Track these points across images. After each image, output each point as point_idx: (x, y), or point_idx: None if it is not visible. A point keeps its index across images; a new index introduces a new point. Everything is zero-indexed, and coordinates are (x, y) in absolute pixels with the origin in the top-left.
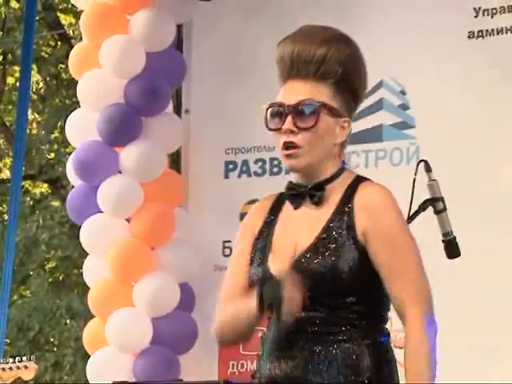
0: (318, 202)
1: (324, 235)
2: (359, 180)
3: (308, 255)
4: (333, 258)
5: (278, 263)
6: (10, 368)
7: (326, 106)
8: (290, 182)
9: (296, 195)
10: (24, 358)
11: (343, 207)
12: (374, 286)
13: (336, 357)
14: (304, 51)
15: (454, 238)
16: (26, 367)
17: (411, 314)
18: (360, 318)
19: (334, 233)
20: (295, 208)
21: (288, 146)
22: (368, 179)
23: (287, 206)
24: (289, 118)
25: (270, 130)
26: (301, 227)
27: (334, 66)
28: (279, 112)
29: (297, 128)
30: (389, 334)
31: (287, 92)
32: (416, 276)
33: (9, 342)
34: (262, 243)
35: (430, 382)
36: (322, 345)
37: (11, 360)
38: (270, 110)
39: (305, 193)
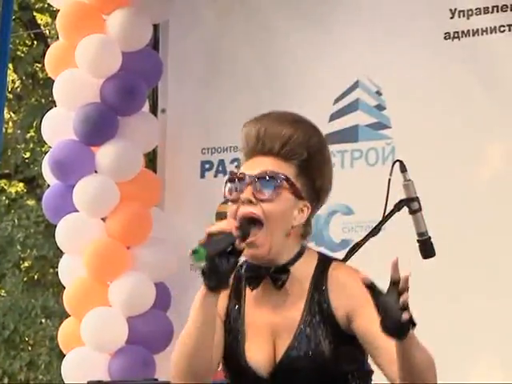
0: (280, 287)
1: (304, 329)
2: (326, 261)
3: (292, 349)
4: (318, 346)
5: (258, 352)
6: None
7: (289, 181)
8: (247, 262)
9: (254, 277)
10: None
11: (317, 295)
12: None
13: None
14: (271, 129)
15: (429, 238)
16: None
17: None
18: None
19: (312, 323)
20: (252, 289)
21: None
22: (332, 259)
23: (247, 292)
24: (248, 188)
25: (228, 200)
26: (273, 316)
27: (299, 147)
28: (239, 181)
29: (255, 199)
30: None
31: (249, 165)
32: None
33: None
34: (235, 331)
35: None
36: None
37: None
38: (230, 178)
39: (265, 275)
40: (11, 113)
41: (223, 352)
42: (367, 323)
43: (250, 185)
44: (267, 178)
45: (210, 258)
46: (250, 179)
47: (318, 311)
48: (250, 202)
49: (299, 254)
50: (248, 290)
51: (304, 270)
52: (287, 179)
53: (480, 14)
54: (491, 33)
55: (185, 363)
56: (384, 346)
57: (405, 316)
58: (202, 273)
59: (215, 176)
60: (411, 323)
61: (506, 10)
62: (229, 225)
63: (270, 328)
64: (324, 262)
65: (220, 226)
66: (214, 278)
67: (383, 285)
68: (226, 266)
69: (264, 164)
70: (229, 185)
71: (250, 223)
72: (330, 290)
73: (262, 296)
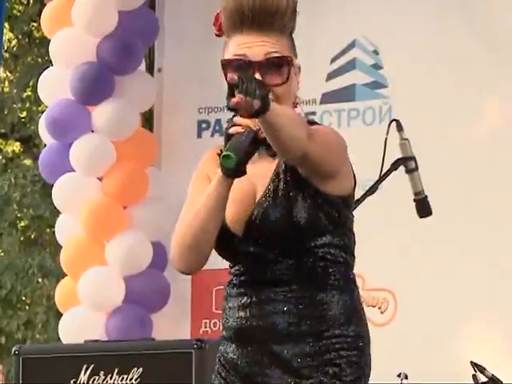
0: (275, 155)
1: (273, 186)
2: (312, 124)
3: (262, 205)
4: (283, 205)
5: (234, 212)
6: None
7: (291, 60)
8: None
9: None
10: None
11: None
12: (330, 229)
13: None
14: (266, 4)
15: (426, 197)
16: None
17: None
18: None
19: (279, 179)
20: (251, 162)
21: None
22: (317, 123)
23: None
24: (257, 75)
25: (228, 81)
26: (256, 180)
27: (289, 19)
28: (245, 68)
29: (274, 83)
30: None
31: (246, 44)
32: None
33: None
34: None
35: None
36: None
37: None
38: (233, 65)
39: (262, 146)
40: (7, 72)
41: None
42: None
43: (258, 71)
44: (275, 61)
45: (240, 160)
46: (257, 65)
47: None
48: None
49: None
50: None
51: None
52: (291, 59)
53: None
54: None
55: (192, 242)
56: None
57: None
58: (222, 159)
59: (212, 135)
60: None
61: None
62: (246, 122)
63: (253, 191)
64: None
65: (240, 122)
66: (236, 169)
67: (380, 244)
68: (248, 158)
69: (265, 44)
70: (232, 72)
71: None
72: None
73: (254, 165)
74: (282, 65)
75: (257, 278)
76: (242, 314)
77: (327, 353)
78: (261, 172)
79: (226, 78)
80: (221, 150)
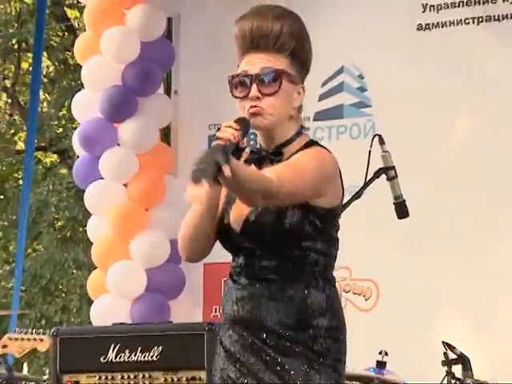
0: (275, 163)
1: None
2: (309, 144)
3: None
4: (278, 213)
5: (234, 213)
6: (29, 339)
7: (286, 73)
8: (252, 149)
9: (258, 158)
10: (40, 331)
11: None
12: (317, 233)
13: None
14: (262, 27)
15: (404, 200)
16: (41, 340)
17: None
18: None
19: None
20: (259, 167)
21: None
22: (317, 143)
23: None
24: (254, 86)
25: (236, 97)
26: None
27: (288, 39)
28: (244, 81)
29: (261, 94)
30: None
31: (249, 63)
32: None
33: (24, 289)
34: (229, 197)
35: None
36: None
37: (29, 331)
38: (236, 79)
39: (265, 156)
40: (46, 94)
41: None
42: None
43: (254, 82)
44: (268, 74)
45: (213, 175)
46: (253, 78)
47: None
48: (258, 98)
49: (294, 137)
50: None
51: (293, 151)
52: (284, 71)
53: (448, 8)
54: (457, 25)
55: (189, 236)
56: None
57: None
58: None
59: None
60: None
61: (470, 5)
62: (227, 135)
63: None
64: (307, 145)
65: (221, 136)
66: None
67: (364, 241)
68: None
69: (262, 61)
70: (235, 84)
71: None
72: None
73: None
74: (274, 77)
75: (249, 273)
76: (235, 307)
77: (308, 341)
78: None
79: (233, 91)
80: None
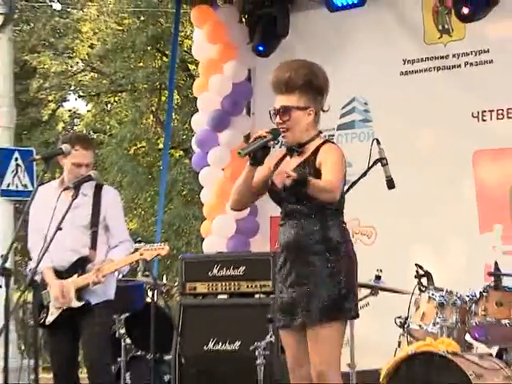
0: (299, 155)
1: (299, 167)
2: (325, 142)
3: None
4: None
5: (278, 180)
6: (156, 248)
7: (294, 107)
8: (286, 145)
9: (290, 151)
10: (162, 243)
11: (314, 155)
12: None
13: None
14: (278, 78)
15: (392, 178)
16: (162, 248)
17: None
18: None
19: (305, 165)
20: (290, 157)
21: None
22: (331, 142)
23: (287, 158)
24: (278, 117)
25: (273, 121)
26: (289, 165)
27: (295, 82)
28: (274, 113)
29: (282, 120)
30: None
31: (276, 102)
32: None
33: (163, 231)
34: (275, 169)
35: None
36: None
37: (154, 244)
38: (271, 112)
39: (293, 150)
40: (176, 115)
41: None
42: (324, 170)
43: (277, 114)
44: (282, 109)
45: (248, 154)
46: (277, 111)
47: (308, 162)
48: (281, 123)
49: (313, 138)
50: (288, 158)
51: (313, 146)
52: (291, 107)
53: (420, 62)
54: (425, 72)
55: (236, 194)
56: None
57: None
58: (250, 157)
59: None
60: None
61: (432, 59)
62: (262, 133)
63: (286, 167)
64: (324, 142)
65: (261, 134)
66: (253, 161)
67: (368, 202)
68: (260, 155)
69: (280, 101)
70: (272, 114)
71: (279, 133)
72: (319, 153)
73: (290, 160)
74: (285, 111)
75: (289, 216)
76: (282, 237)
77: (324, 259)
78: (292, 162)
79: (271, 117)
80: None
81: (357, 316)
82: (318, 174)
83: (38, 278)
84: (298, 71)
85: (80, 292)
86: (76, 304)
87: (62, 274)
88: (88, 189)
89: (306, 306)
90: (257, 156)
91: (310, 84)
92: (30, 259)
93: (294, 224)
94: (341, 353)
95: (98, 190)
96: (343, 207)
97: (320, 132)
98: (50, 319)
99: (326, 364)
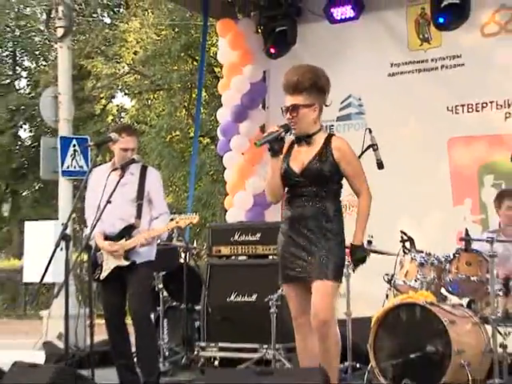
0: (309, 144)
1: (316, 158)
2: (331, 135)
3: (310, 164)
4: (321, 166)
5: (295, 166)
6: (188, 218)
7: (301, 105)
8: (296, 136)
9: (299, 140)
10: (194, 214)
11: (325, 147)
12: (338, 180)
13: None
14: (288, 81)
15: (382, 161)
16: (194, 218)
17: (363, 193)
18: (332, 193)
19: (321, 157)
20: (298, 146)
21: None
22: (335, 135)
23: (295, 146)
24: (288, 113)
25: (284, 117)
26: (303, 154)
27: (302, 84)
28: (285, 110)
29: (291, 116)
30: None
31: (286, 101)
32: (362, 179)
33: (194, 204)
34: (288, 157)
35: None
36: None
37: (186, 215)
38: (283, 109)
39: (302, 138)
40: (204, 109)
41: (282, 169)
42: (348, 171)
43: (288, 111)
44: (292, 107)
45: (263, 144)
46: (288, 109)
47: (324, 154)
48: (291, 118)
49: (319, 130)
50: (295, 146)
51: (320, 138)
52: (298, 105)
53: (403, 65)
54: (408, 73)
55: (269, 190)
56: (352, 183)
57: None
58: (269, 150)
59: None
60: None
61: (414, 63)
62: (274, 128)
63: (302, 156)
64: (329, 135)
65: (270, 130)
66: (272, 152)
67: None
68: (277, 146)
69: (290, 100)
70: (283, 111)
71: (289, 127)
72: (333, 147)
73: (299, 148)
74: (294, 108)
75: (298, 195)
76: (288, 213)
77: (325, 230)
78: (303, 152)
79: (283, 113)
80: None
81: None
82: (335, 166)
83: (92, 242)
84: (304, 75)
85: (127, 253)
86: (124, 263)
87: (112, 239)
88: (135, 169)
89: (313, 265)
90: (274, 148)
91: (315, 85)
92: (86, 227)
93: (304, 199)
94: (336, 303)
95: (144, 170)
96: (341, 191)
97: (322, 126)
98: (103, 275)
99: (326, 312)
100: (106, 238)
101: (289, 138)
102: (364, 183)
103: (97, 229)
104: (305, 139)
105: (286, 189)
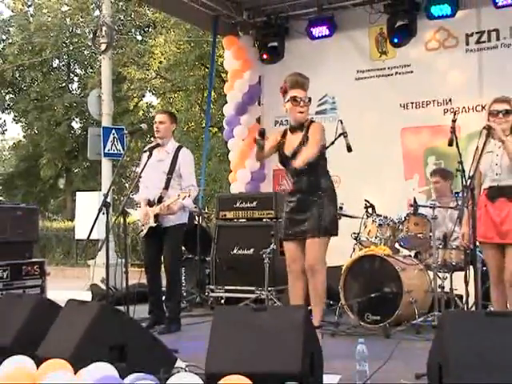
0: (301, 130)
1: (301, 143)
2: (312, 121)
3: (297, 148)
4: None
5: (287, 151)
6: (183, 193)
7: (304, 97)
8: (289, 125)
9: (293, 128)
10: (199, 187)
11: (306, 131)
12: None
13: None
14: (295, 80)
15: (350, 146)
16: (188, 193)
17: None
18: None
19: (305, 141)
20: (292, 133)
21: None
22: (314, 121)
23: (288, 133)
24: (302, 102)
25: (291, 104)
26: (293, 140)
27: (302, 84)
28: (296, 99)
29: (300, 106)
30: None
31: (294, 92)
32: (312, 149)
33: (206, 179)
34: (283, 145)
35: None
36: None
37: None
38: (290, 98)
39: (295, 127)
40: (213, 106)
41: (279, 148)
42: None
43: (293, 99)
44: (301, 98)
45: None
46: (294, 98)
47: (306, 138)
48: (297, 105)
49: (307, 120)
50: (288, 133)
51: (306, 125)
52: (299, 97)
53: (369, 71)
54: (374, 78)
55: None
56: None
57: None
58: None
59: (276, 127)
60: None
61: (379, 69)
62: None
63: (292, 142)
64: (311, 121)
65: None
66: (258, 147)
67: (338, 162)
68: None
69: (295, 92)
70: (292, 99)
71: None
72: (310, 129)
73: (292, 136)
74: (297, 100)
75: (296, 172)
76: (296, 185)
77: (318, 198)
78: (296, 138)
79: (288, 102)
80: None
81: (336, 234)
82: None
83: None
84: (304, 78)
85: (157, 217)
86: (153, 224)
87: (151, 204)
88: (171, 148)
89: (309, 224)
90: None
91: (306, 87)
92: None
93: (301, 178)
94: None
95: (178, 149)
96: (327, 166)
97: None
98: (143, 233)
99: (317, 261)
100: (149, 202)
101: (281, 128)
102: (312, 151)
103: (143, 195)
104: (298, 128)
105: (287, 167)
